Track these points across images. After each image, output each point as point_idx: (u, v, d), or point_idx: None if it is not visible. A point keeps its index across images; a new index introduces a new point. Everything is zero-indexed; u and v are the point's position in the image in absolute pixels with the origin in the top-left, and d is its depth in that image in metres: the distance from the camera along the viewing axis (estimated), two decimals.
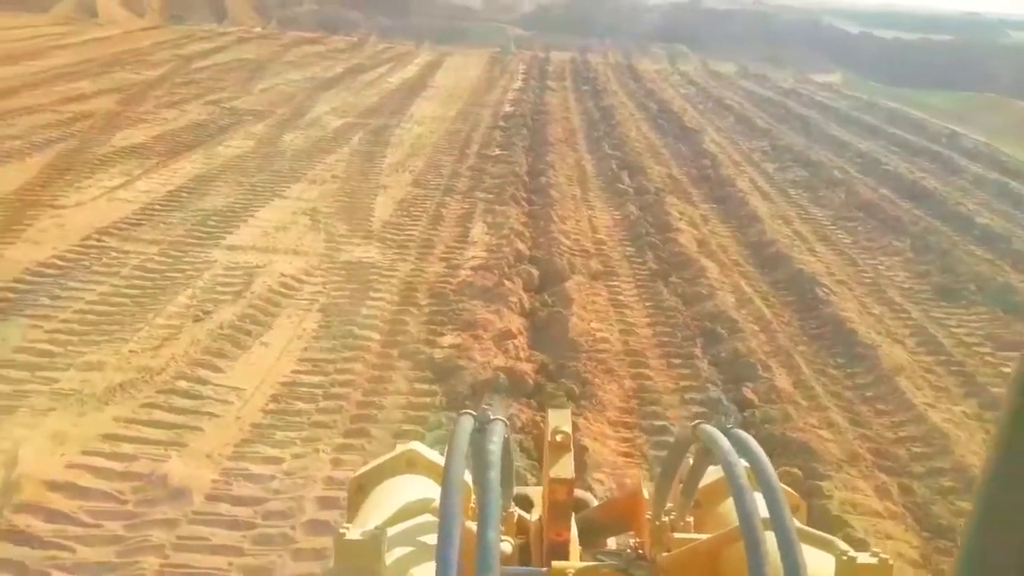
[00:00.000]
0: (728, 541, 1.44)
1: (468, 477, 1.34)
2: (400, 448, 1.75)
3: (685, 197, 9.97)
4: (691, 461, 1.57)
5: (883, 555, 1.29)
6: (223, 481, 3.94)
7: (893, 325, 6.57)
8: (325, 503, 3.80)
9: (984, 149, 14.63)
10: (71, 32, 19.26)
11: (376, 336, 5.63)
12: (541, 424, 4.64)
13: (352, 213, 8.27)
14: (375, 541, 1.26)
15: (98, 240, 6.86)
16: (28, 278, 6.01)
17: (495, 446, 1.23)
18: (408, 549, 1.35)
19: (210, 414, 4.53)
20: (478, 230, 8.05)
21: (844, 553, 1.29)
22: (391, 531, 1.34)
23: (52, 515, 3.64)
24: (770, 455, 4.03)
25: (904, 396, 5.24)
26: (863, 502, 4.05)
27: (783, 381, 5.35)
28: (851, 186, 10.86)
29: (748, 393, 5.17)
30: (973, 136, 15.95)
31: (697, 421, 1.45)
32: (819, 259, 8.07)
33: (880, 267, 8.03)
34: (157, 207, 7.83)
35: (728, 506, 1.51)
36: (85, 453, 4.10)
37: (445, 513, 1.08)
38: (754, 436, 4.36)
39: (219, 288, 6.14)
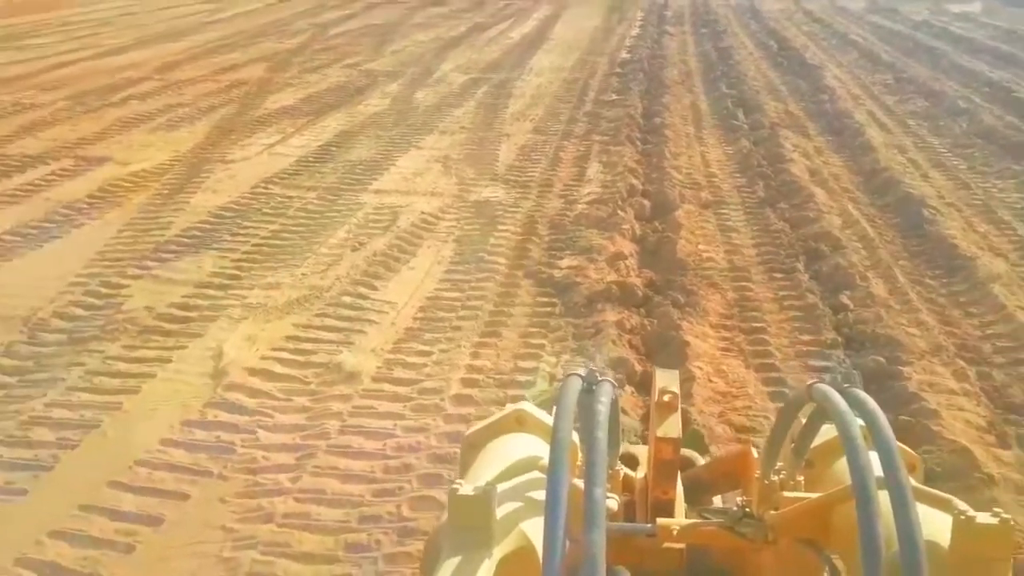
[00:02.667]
0: (840, 500, 1.40)
1: (576, 437, 1.40)
2: (510, 408, 1.81)
3: (800, 131, 10.20)
4: (803, 421, 1.56)
5: (1004, 515, 1.21)
6: (385, 368, 4.82)
7: (997, 241, 6.78)
8: (467, 383, 4.62)
9: None
10: (219, 8, 20.79)
11: (503, 261, 6.39)
12: (648, 327, 5.30)
13: (479, 159, 9.05)
14: (486, 496, 1.28)
15: (265, 188, 7.93)
16: (212, 220, 7.11)
17: (603, 406, 1.26)
18: (517, 504, 1.38)
19: (371, 321, 5.42)
20: (593, 169, 8.66)
21: (962, 513, 1.23)
22: (501, 487, 1.36)
23: (253, 392, 4.60)
24: (859, 349, 4.70)
25: (997, 300, 5.56)
26: (940, 383, 4.50)
27: (879, 289, 5.77)
28: (974, 115, 10.73)
29: (844, 300, 5.62)
30: None
31: (812, 381, 1.45)
32: (930, 184, 8.24)
33: (992, 190, 8.13)
34: (311, 159, 8.86)
35: (841, 466, 1.47)
36: (274, 349, 5.07)
37: (553, 470, 1.11)
38: (845, 332, 4.98)
39: (370, 224, 7.06)
